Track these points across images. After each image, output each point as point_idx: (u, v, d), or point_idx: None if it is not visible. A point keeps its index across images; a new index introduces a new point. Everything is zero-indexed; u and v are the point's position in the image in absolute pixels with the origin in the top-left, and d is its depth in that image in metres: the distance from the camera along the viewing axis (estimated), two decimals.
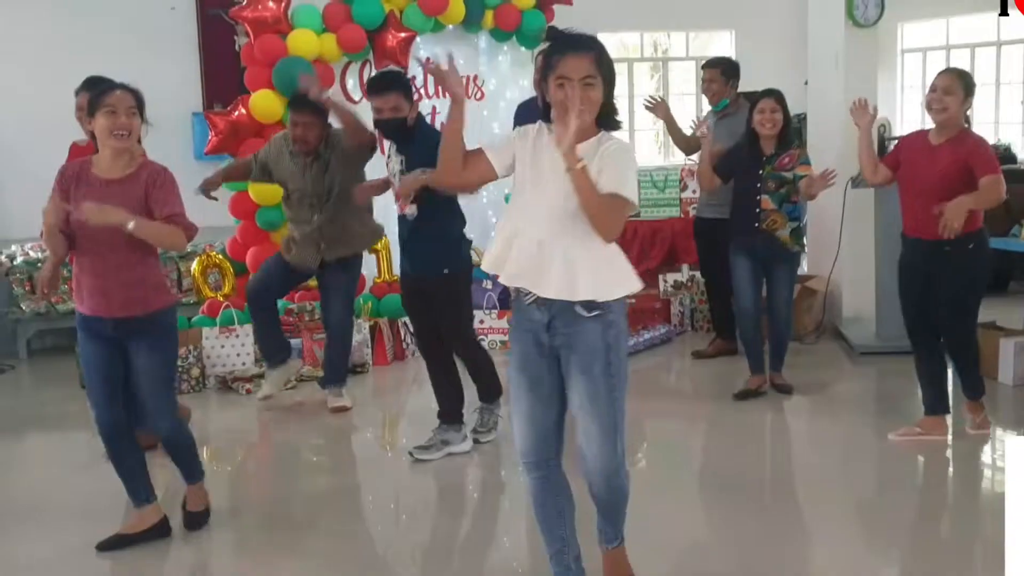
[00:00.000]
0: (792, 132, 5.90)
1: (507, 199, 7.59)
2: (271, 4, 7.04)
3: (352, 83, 7.52)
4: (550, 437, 3.12)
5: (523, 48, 8.29)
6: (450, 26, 7.79)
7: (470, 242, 5.10)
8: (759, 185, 5.70)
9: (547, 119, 3.07)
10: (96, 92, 3.89)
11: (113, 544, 4.03)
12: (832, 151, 7.09)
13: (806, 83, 8.02)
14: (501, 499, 4.67)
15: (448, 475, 4.87)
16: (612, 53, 3.08)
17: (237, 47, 9.24)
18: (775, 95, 5.72)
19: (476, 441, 5.15)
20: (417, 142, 4.81)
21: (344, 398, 5.97)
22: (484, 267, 3.11)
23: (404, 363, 7.07)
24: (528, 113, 6.08)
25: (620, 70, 10.78)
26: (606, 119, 3.02)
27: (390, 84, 4.84)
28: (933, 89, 4.75)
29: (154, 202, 3.83)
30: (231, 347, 6.52)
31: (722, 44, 11.07)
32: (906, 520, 4.19)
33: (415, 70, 7.61)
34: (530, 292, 3.03)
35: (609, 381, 3.02)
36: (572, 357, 3.02)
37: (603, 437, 3.03)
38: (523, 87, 8.14)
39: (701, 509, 4.44)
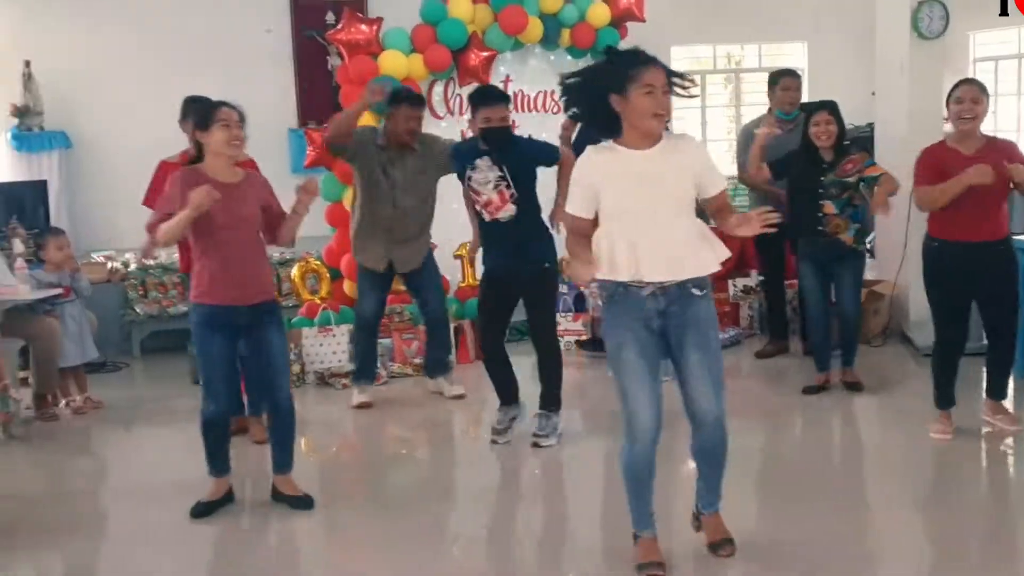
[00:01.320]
0: (846, 141, 6.18)
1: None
2: (363, 27, 7.56)
3: (437, 100, 7.97)
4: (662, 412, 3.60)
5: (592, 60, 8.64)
6: (529, 44, 8.21)
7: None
8: (821, 191, 5.99)
9: (613, 132, 3.50)
10: (205, 108, 4.41)
11: (201, 511, 4.57)
12: (898, 160, 7.27)
13: (873, 94, 8.28)
14: (585, 485, 5.04)
15: (532, 463, 5.26)
16: (685, 65, 3.56)
17: (330, 66, 9.76)
18: (829, 107, 6.02)
19: (536, 445, 5.45)
20: (515, 151, 5.31)
21: (458, 386, 6.53)
22: (605, 275, 3.53)
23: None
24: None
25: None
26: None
27: (501, 96, 5.35)
28: (960, 100, 5.00)
29: (276, 205, 4.52)
30: (328, 346, 7.02)
31: (795, 56, 11.32)
32: (970, 517, 4.36)
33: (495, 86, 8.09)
34: (646, 284, 3.49)
35: (718, 343, 3.64)
36: (689, 331, 3.54)
37: (716, 391, 3.57)
38: None
39: (769, 502, 4.69)
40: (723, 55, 11.94)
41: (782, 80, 7.13)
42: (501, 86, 8.08)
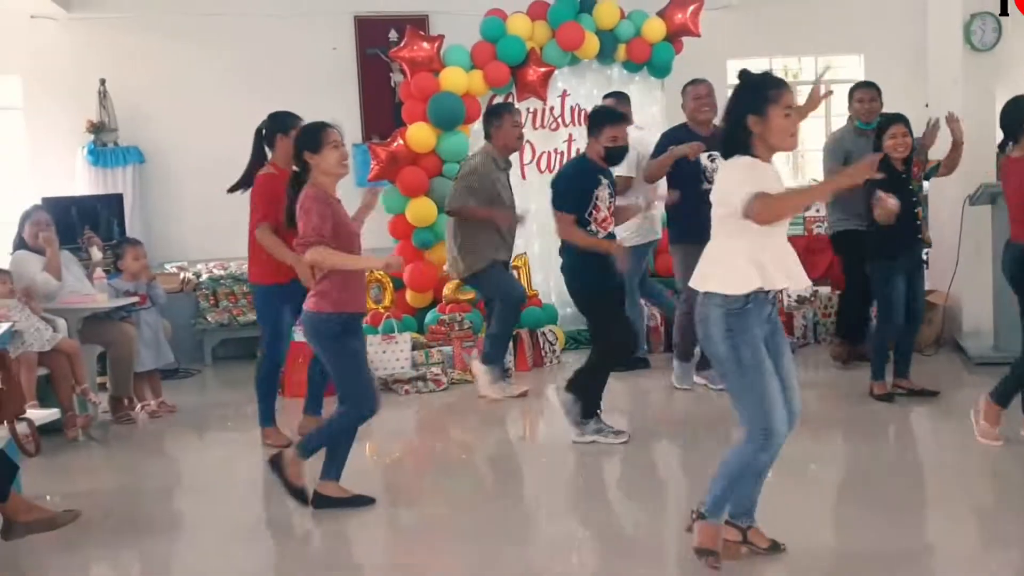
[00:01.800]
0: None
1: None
2: (425, 45, 7.83)
3: None
4: None
5: (652, 78, 8.83)
6: (585, 60, 8.42)
7: None
8: (915, 199, 6.12)
9: (742, 148, 3.67)
10: (314, 130, 4.58)
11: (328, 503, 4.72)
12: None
13: (927, 106, 8.36)
14: (646, 490, 5.17)
15: (590, 467, 5.42)
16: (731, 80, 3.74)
17: (392, 83, 10.03)
18: (903, 120, 6.12)
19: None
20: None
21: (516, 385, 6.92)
22: (750, 287, 3.64)
23: (542, 369, 7.70)
24: (669, 140, 6.72)
25: None
26: None
27: (627, 116, 5.64)
28: None
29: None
30: (391, 353, 7.26)
31: (851, 68, 11.39)
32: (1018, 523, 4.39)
33: (553, 101, 8.32)
34: (770, 292, 3.71)
35: None
36: (778, 333, 3.79)
37: (798, 384, 3.83)
38: (652, 114, 8.70)
39: (826, 505, 4.76)
40: (779, 67, 12.01)
41: (857, 92, 7.27)
42: (558, 101, 8.35)
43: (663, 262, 8.19)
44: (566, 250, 5.64)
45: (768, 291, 3.66)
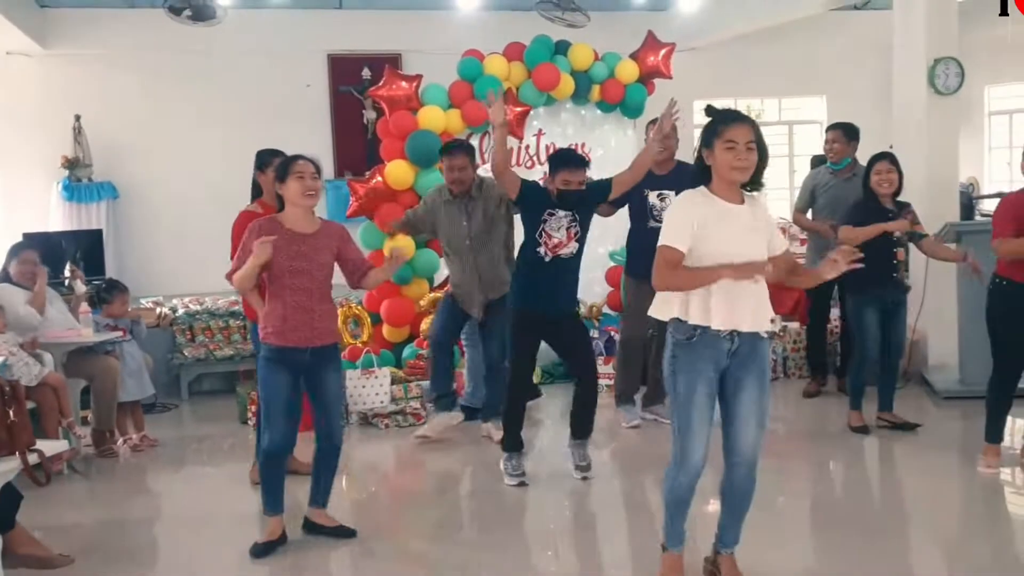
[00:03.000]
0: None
1: (612, 256, 8.38)
2: (404, 84, 7.97)
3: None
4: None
5: (625, 118, 9.04)
6: (560, 100, 8.61)
7: None
8: (895, 240, 6.27)
9: (706, 182, 3.79)
10: (284, 161, 4.67)
11: (260, 552, 4.72)
12: (917, 210, 7.63)
13: (891, 147, 8.63)
14: (632, 522, 5.28)
15: (580, 501, 5.51)
16: (705, 120, 3.84)
17: (365, 120, 10.20)
18: (889, 157, 6.32)
19: (586, 478, 5.75)
20: (584, 202, 5.67)
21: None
22: (696, 321, 3.74)
23: (537, 401, 7.66)
24: None
25: None
26: (756, 183, 3.80)
27: (582, 161, 5.64)
28: None
29: (352, 253, 4.78)
30: (371, 387, 7.34)
31: (815, 109, 11.73)
32: (991, 554, 4.54)
33: (529, 140, 8.51)
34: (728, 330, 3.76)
35: (769, 386, 3.87)
36: (752, 371, 3.78)
37: (759, 434, 3.83)
38: (625, 153, 8.77)
39: (794, 539, 4.85)
40: (744, 108, 12.33)
41: (826, 133, 7.58)
42: (534, 140, 8.54)
43: (613, 297, 8.43)
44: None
45: (716, 330, 3.70)
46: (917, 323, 7.61)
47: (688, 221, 3.69)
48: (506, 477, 5.76)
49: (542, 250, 5.57)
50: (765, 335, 3.78)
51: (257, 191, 5.70)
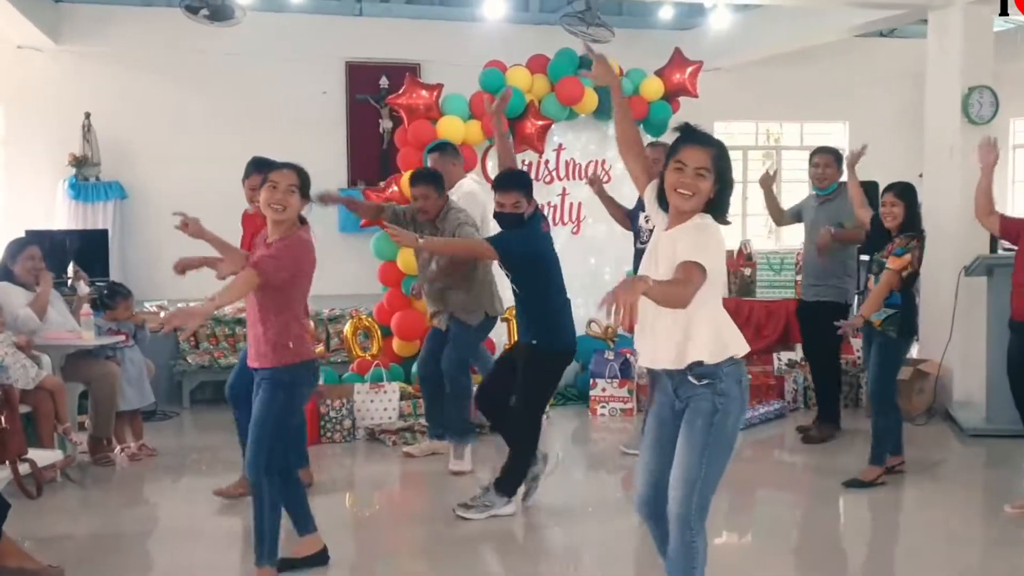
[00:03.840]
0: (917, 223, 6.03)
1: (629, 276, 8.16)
2: (424, 93, 7.79)
3: (492, 164, 8.14)
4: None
5: (650, 136, 8.82)
6: (583, 115, 8.43)
7: None
8: (869, 268, 6.08)
9: (663, 203, 3.46)
10: (268, 163, 4.50)
11: (283, 567, 4.44)
12: (947, 242, 7.43)
13: (920, 176, 8.42)
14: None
15: (575, 525, 5.33)
16: (725, 141, 3.56)
17: (381, 129, 10.00)
18: (896, 189, 5.95)
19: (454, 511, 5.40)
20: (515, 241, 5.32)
21: (464, 461, 6.28)
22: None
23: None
24: (638, 201, 6.65)
25: (734, 156, 11.30)
26: (717, 213, 3.42)
27: (515, 183, 5.32)
28: None
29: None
30: (379, 402, 7.10)
31: (836, 135, 11.52)
32: None
33: (549, 154, 8.31)
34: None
35: (705, 439, 3.38)
36: (687, 414, 3.43)
37: (684, 489, 3.38)
38: None
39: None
40: (764, 131, 12.16)
41: (814, 157, 7.30)
42: (553, 154, 8.34)
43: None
44: None
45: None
46: (943, 358, 7.42)
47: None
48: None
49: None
50: (694, 380, 3.36)
51: None
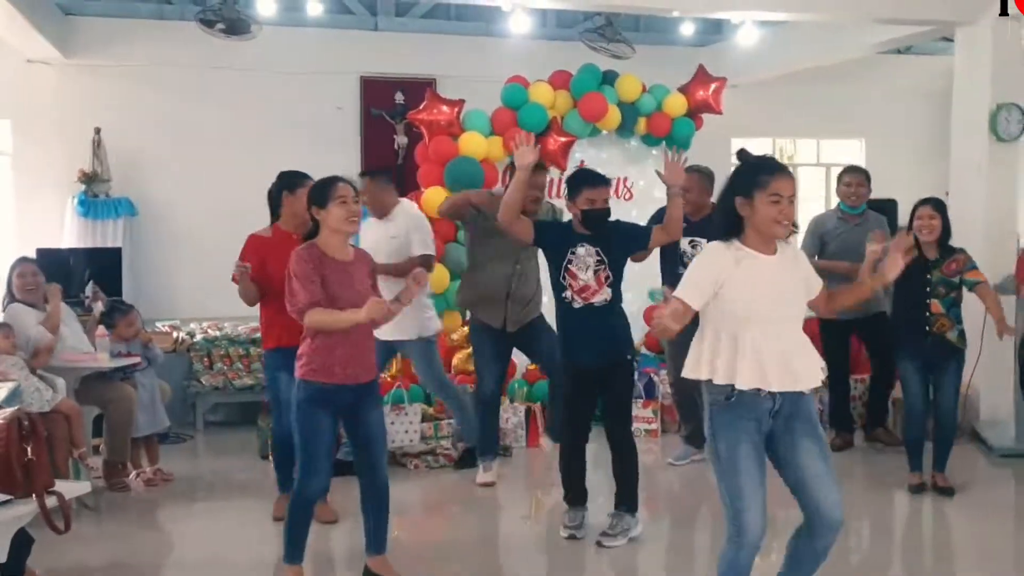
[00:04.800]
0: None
1: (651, 295, 7.98)
2: (445, 109, 7.63)
3: None
4: None
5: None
6: (605, 131, 8.27)
7: None
8: (928, 290, 5.90)
9: (736, 233, 3.52)
10: (323, 183, 4.36)
11: None
12: (975, 259, 7.25)
13: (947, 193, 8.26)
14: None
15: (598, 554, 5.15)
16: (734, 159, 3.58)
17: (396, 146, 9.85)
18: (932, 203, 5.96)
19: (601, 545, 5.24)
20: (614, 234, 5.22)
21: (491, 473, 6.33)
22: (721, 379, 3.48)
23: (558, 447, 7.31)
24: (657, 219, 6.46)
25: None
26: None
27: (604, 179, 5.25)
28: None
29: (374, 281, 4.53)
30: (400, 424, 6.87)
31: (852, 152, 11.38)
32: None
33: (570, 171, 8.12)
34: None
35: (825, 437, 3.66)
36: (795, 431, 3.52)
37: (838, 489, 3.56)
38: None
39: None
40: (778, 149, 12.00)
41: (845, 176, 7.20)
42: None
43: (652, 338, 8.11)
44: None
45: (756, 391, 3.46)
46: (972, 377, 7.23)
47: (709, 279, 3.50)
48: (562, 527, 5.41)
49: (568, 294, 5.17)
50: (806, 390, 3.55)
51: (274, 214, 5.45)
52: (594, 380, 5.26)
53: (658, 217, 6.49)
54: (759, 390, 3.45)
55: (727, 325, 3.49)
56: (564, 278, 5.19)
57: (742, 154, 3.66)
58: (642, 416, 7.51)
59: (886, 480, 6.38)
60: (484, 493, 6.27)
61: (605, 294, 5.17)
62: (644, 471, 6.68)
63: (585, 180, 5.26)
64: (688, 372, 3.60)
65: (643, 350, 8.24)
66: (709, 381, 3.53)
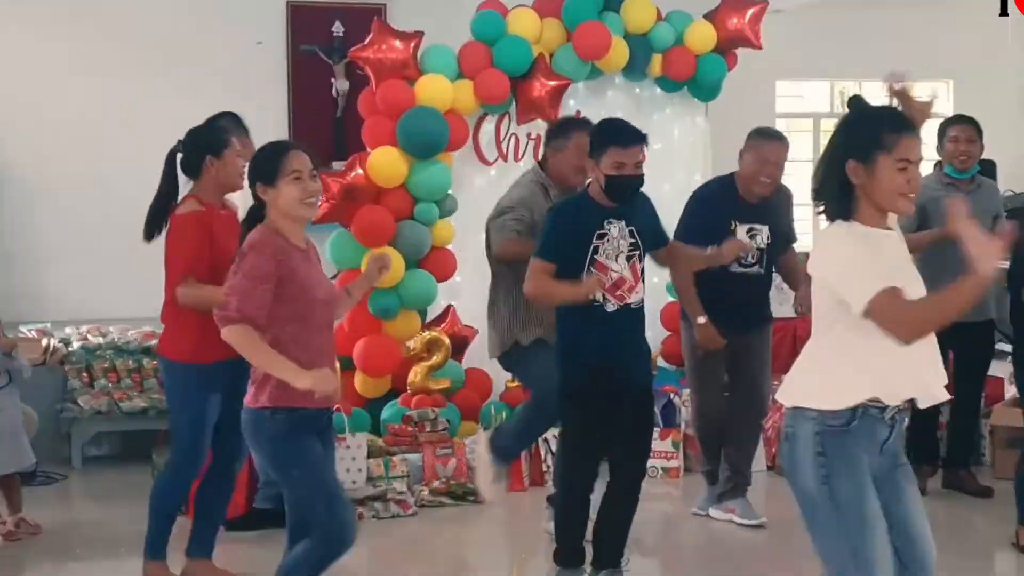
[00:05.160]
0: None
1: (671, 290, 8.01)
2: (398, 44, 7.68)
3: (487, 140, 8.00)
4: None
5: (696, 100, 8.71)
6: (608, 73, 8.30)
7: None
8: None
9: (842, 203, 3.52)
10: (271, 154, 4.39)
11: None
12: None
13: None
14: None
15: None
16: (792, 106, 3.61)
17: (334, 92, 9.82)
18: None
19: None
20: (642, 211, 5.27)
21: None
22: (856, 399, 3.46)
23: (543, 489, 7.24)
24: (705, 205, 6.54)
25: (805, 126, 11.23)
26: None
27: (640, 135, 5.20)
28: None
29: None
30: (339, 460, 6.80)
31: (936, 98, 11.39)
32: None
33: None
34: (887, 405, 3.48)
35: None
36: (900, 468, 3.61)
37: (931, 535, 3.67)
38: (691, 149, 8.66)
39: None
40: (837, 95, 12.03)
41: (951, 129, 7.16)
42: None
43: (672, 345, 8.19)
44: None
45: (885, 406, 3.47)
46: None
47: (875, 256, 3.47)
48: None
49: (601, 293, 5.14)
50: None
51: (172, 182, 5.54)
52: (614, 405, 5.27)
53: (697, 211, 6.57)
54: (882, 410, 3.47)
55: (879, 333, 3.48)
56: (591, 273, 5.15)
57: (856, 103, 3.66)
58: (658, 450, 7.53)
59: (980, 532, 6.51)
60: (451, 552, 6.38)
61: (640, 291, 5.21)
62: (664, 522, 6.83)
63: (613, 136, 5.22)
64: (839, 401, 3.50)
65: (660, 362, 8.29)
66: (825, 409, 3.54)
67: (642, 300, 5.24)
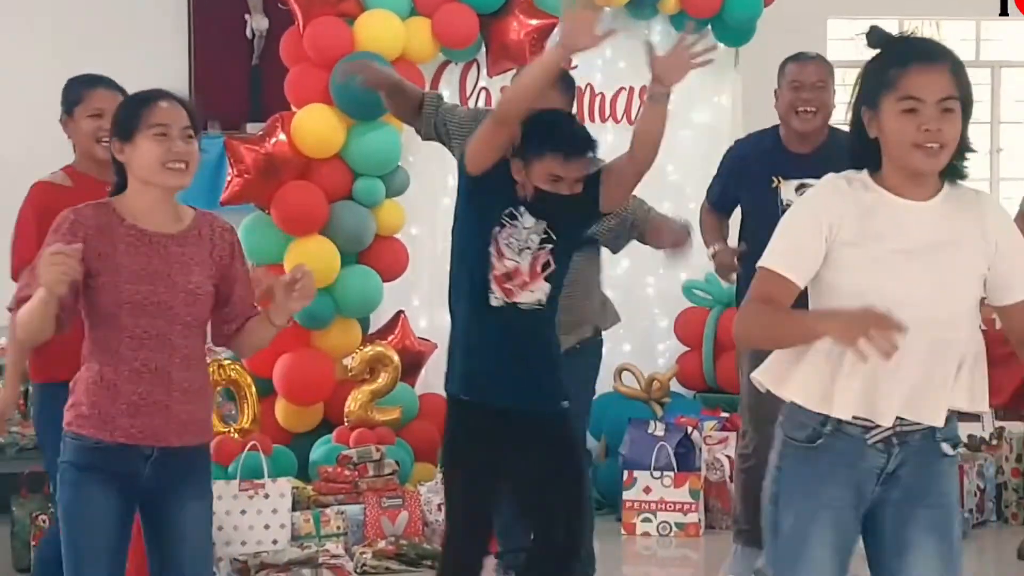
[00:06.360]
0: None
1: (688, 291, 8.11)
2: None
3: (449, 96, 8.06)
4: None
5: (722, 45, 8.77)
6: (608, 9, 8.30)
7: None
8: None
9: (868, 163, 3.57)
10: (130, 101, 4.46)
11: None
12: None
13: None
14: None
15: None
16: (847, 53, 3.64)
17: (250, 33, 9.91)
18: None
19: None
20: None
21: None
22: (815, 405, 3.56)
23: None
24: (738, 160, 6.68)
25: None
26: (954, 166, 3.56)
27: (590, 142, 5.12)
28: None
29: (240, 279, 4.46)
30: (256, 513, 6.99)
31: (1013, 42, 11.62)
32: None
33: None
34: (876, 426, 3.51)
35: (960, 546, 3.69)
36: (921, 512, 3.61)
37: None
38: (719, 106, 8.84)
39: None
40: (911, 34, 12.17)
41: None
42: None
43: (725, 366, 8.24)
44: None
45: (871, 426, 3.54)
46: None
47: (814, 231, 3.52)
48: None
49: (492, 287, 5.15)
50: (949, 449, 3.64)
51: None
52: (507, 438, 5.23)
53: (728, 168, 6.67)
54: (867, 431, 3.53)
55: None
56: (490, 251, 5.17)
57: (875, 35, 3.63)
58: (671, 500, 7.63)
59: None
60: None
61: (539, 291, 5.21)
62: None
63: (555, 140, 5.07)
64: (764, 378, 3.71)
65: (675, 385, 8.36)
66: (792, 404, 3.64)
67: (540, 305, 5.16)
